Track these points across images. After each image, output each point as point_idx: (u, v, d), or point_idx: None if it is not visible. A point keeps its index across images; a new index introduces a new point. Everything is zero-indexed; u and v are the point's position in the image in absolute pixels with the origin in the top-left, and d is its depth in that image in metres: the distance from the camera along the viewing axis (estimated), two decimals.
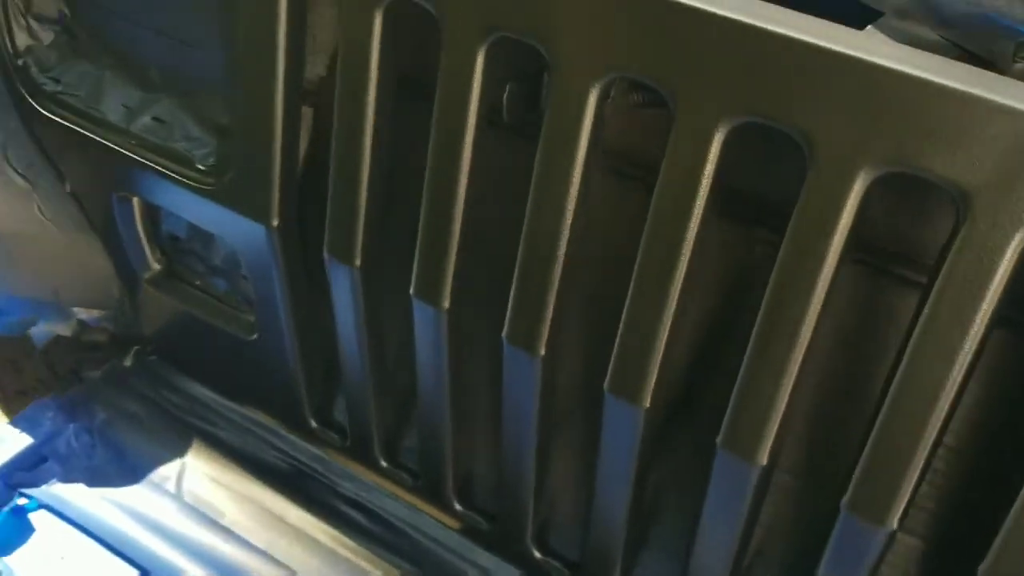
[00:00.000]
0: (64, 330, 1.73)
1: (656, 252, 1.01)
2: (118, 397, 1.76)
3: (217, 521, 1.59)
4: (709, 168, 0.94)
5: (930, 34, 0.95)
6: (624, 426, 1.16)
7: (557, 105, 1.01)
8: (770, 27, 0.86)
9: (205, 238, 1.61)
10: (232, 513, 1.61)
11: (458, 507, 1.56)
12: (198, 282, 1.67)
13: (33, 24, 1.50)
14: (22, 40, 1.51)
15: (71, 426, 1.68)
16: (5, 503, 1.57)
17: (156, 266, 1.68)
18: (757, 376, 0.99)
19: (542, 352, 1.16)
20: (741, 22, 0.87)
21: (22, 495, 1.59)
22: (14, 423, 1.67)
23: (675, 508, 1.36)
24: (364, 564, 1.55)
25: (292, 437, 1.70)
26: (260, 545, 1.56)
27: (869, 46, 0.84)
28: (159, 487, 1.63)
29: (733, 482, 1.10)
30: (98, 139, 1.47)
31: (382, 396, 1.51)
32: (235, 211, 1.37)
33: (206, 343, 1.71)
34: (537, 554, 1.49)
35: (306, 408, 1.64)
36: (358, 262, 1.30)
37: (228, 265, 1.62)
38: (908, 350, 0.90)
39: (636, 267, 1.02)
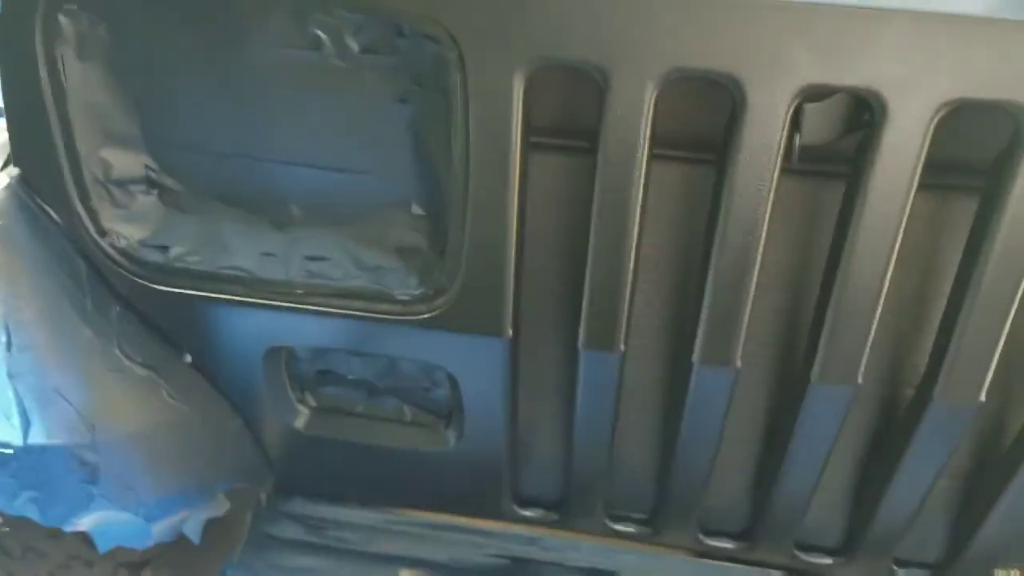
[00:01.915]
0: (216, 513, 1.52)
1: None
2: (290, 558, 1.58)
3: None
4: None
5: None
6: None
7: None
8: None
9: (366, 364, 1.45)
10: None
11: (700, 536, 1.53)
12: (359, 409, 1.50)
13: (115, 192, 1.27)
14: (107, 214, 1.27)
15: None
16: None
17: (307, 411, 1.49)
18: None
19: None
20: None
21: None
22: None
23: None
24: None
25: (495, 529, 1.60)
26: None
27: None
28: None
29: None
30: (246, 299, 1.28)
31: (609, 460, 1.44)
32: (464, 331, 1.23)
33: (371, 467, 1.55)
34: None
35: (507, 495, 1.54)
36: (621, 348, 1.22)
37: (395, 381, 1.46)
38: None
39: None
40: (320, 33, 1.09)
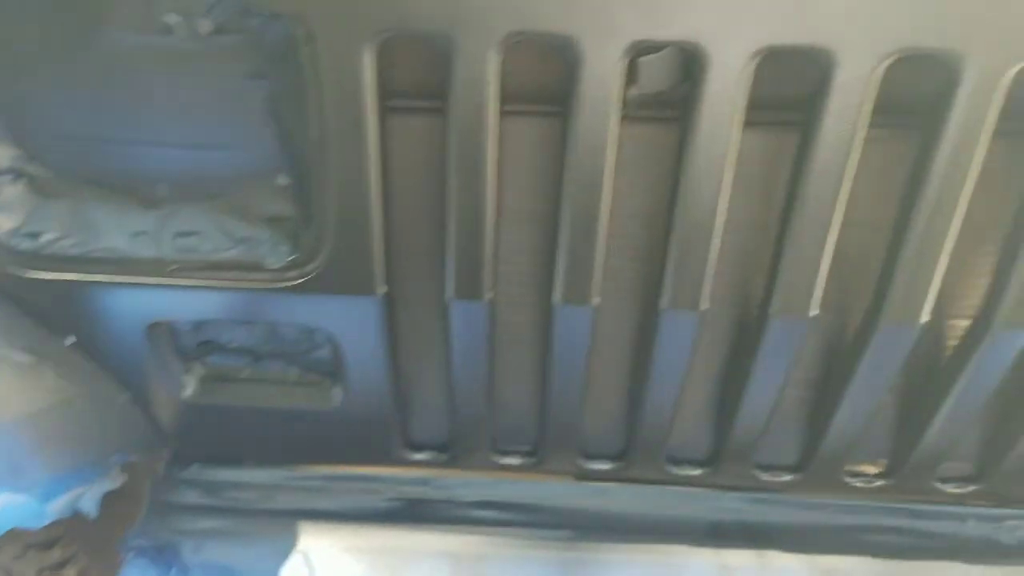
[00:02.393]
0: (111, 486, 1.55)
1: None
2: (192, 522, 1.63)
3: None
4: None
5: None
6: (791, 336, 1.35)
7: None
8: None
9: (248, 330, 1.49)
10: (379, 570, 1.59)
11: (581, 461, 1.64)
12: (245, 374, 1.55)
13: None
14: None
15: (186, 549, 1.55)
16: None
17: (193, 381, 1.53)
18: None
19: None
20: None
21: None
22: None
23: None
24: (527, 550, 1.60)
25: (388, 474, 1.67)
26: None
27: None
28: None
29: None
30: (121, 278, 1.31)
31: (492, 403, 1.53)
32: (338, 293, 1.29)
33: (262, 428, 1.61)
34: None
35: (398, 442, 1.61)
36: (489, 296, 1.30)
37: (278, 345, 1.51)
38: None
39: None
40: (170, 17, 1.11)
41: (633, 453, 1.61)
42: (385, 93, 1.17)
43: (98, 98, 1.19)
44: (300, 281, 1.28)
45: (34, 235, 1.30)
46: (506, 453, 1.65)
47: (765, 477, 1.63)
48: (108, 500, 1.57)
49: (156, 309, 1.37)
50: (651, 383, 1.44)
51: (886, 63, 1.06)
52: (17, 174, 1.28)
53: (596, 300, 1.29)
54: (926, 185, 1.15)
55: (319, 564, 1.59)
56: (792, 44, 1.05)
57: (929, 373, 1.46)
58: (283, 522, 1.64)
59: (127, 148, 1.25)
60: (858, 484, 1.61)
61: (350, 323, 1.36)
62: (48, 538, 1.78)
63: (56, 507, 1.47)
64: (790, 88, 1.19)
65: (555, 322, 1.34)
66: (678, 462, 1.64)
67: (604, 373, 1.51)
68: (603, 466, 1.65)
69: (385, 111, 1.18)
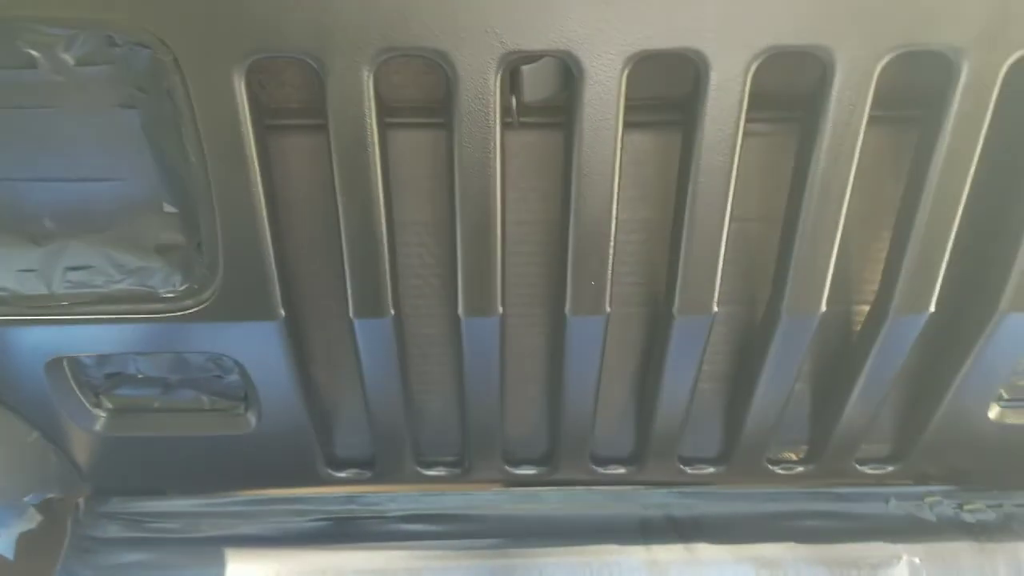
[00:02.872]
0: (28, 526, 1.52)
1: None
2: (117, 556, 1.60)
3: None
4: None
5: None
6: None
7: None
8: None
9: (154, 360, 1.47)
10: None
11: (507, 468, 1.64)
12: (156, 404, 1.52)
13: None
14: None
15: None
16: None
17: (104, 414, 1.50)
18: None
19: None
20: None
21: None
22: None
23: None
24: (458, 560, 1.60)
25: (313, 495, 1.66)
26: None
27: None
28: None
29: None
30: (12, 317, 1.28)
31: (411, 416, 1.52)
32: (236, 320, 1.27)
33: (180, 457, 1.58)
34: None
35: (320, 462, 1.60)
36: (392, 312, 1.29)
37: (186, 373, 1.49)
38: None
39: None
40: (33, 51, 1.09)
41: (558, 456, 1.61)
42: (263, 112, 1.15)
43: None
44: (196, 309, 1.26)
45: None
46: (431, 465, 1.64)
47: (689, 471, 1.64)
48: (25, 541, 1.53)
49: (53, 345, 1.34)
50: (566, 387, 1.44)
51: (758, 61, 1.06)
52: None
53: (500, 310, 1.29)
54: (810, 176, 1.15)
55: None
56: (663, 48, 1.05)
57: (837, 359, 1.47)
58: (209, 550, 1.62)
59: (7, 184, 1.22)
60: (780, 471, 1.62)
61: (253, 349, 1.34)
62: None
63: None
64: (669, 88, 1.19)
65: (463, 333, 1.33)
66: (603, 462, 1.64)
67: (520, 379, 1.51)
68: (529, 471, 1.65)
69: (265, 131, 1.16)
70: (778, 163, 1.28)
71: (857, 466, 1.61)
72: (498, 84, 1.08)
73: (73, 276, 1.27)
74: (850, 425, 1.52)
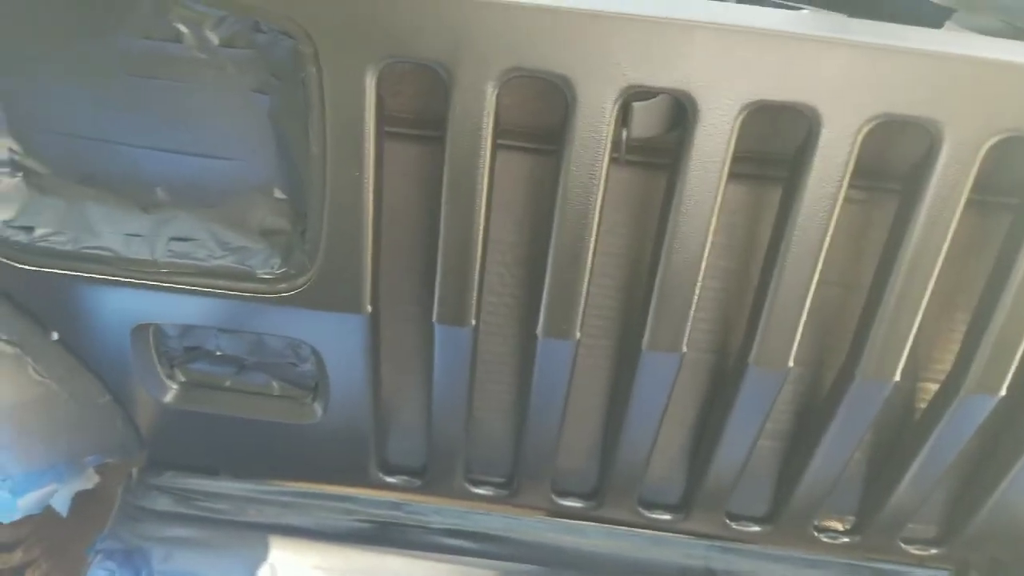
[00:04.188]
0: (84, 486, 1.56)
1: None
2: (163, 529, 1.63)
3: None
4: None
5: (995, 22, 1.14)
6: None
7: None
8: None
9: (234, 339, 1.51)
10: None
11: (554, 497, 1.65)
12: (228, 383, 1.57)
13: None
14: None
15: (153, 557, 1.56)
16: None
17: (176, 387, 1.55)
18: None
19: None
20: None
21: None
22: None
23: None
24: None
25: (361, 495, 1.68)
26: None
27: None
28: None
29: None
30: (111, 278, 1.33)
31: (469, 431, 1.55)
32: (325, 309, 1.31)
33: (240, 439, 1.62)
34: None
35: (373, 464, 1.63)
36: (472, 323, 1.32)
37: (263, 357, 1.53)
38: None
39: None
40: (181, 26, 1.15)
41: (606, 493, 1.62)
42: (385, 118, 1.20)
43: (102, 99, 1.22)
44: (289, 294, 1.30)
45: (28, 228, 1.32)
46: (480, 483, 1.66)
47: (734, 526, 1.64)
48: (79, 500, 1.57)
49: (144, 311, 1.39)
50: (627, 423, 1.46)
51: (870, 125, 1.09)
52: (15, 167, 1.31)
53: (578, 335, 1.32)
54: (902, 248, 1.17)
55: None
56: (780, 100, 1.08)
57: (899, 433, 1.48)
58: (253, 535, 1.65)
59: (128, 151, 1.28)
60: (825, 539, 1.62)
61: (335, 340, 1.38)
62: (13, 538, 1.78)
63: (27, 503, 1.48)
64: (777, 144, 1.23)
65: (536, 354, 1.36)
66: (650, 505, 1.66)
67: (582, 409, 1.53)
68: (575, 503, 1.67)
69: (384, 135, 1.21)
70: (867, 231, 1.31)
71: (901, 544, 1.61)
72: (614, 116, 1.13)
73: (176, 246, 1.32)
74: (901, 502, 1.52)
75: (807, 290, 1.22)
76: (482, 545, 1.67)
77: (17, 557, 1.84)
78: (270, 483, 1.70)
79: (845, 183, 1.13)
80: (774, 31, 1.04)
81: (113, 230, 1.33)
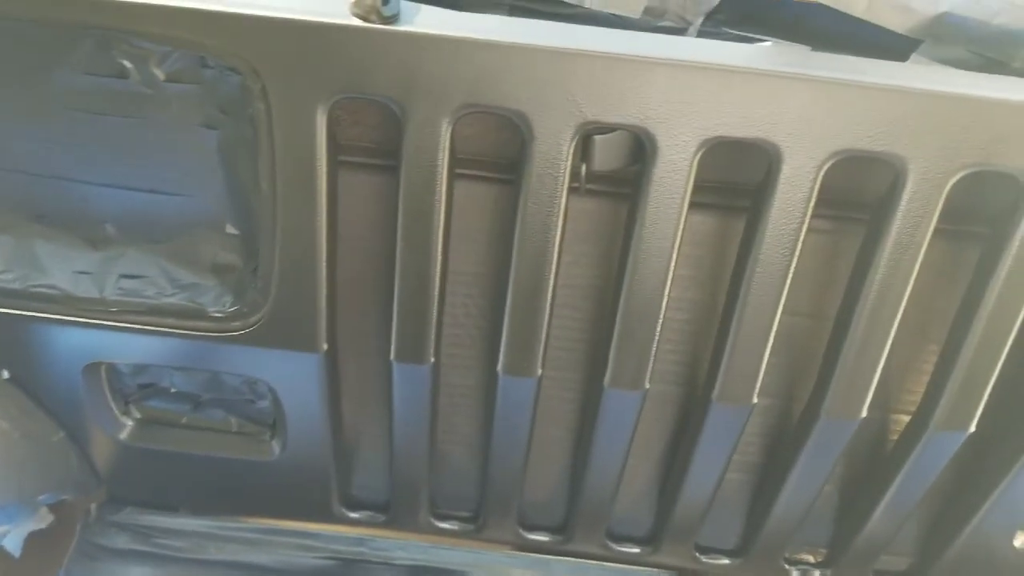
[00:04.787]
0: (38, 525, 1.52)
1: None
2: (122, 567, 1.59)
3: None
4: None
5: (963, 52, 1.12)
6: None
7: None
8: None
9: (189, 376, 1.47)
10: None
11: (521, 531, 1.62)
12: (184, 420, 1.53)
13: None
14: None
15: None
16: None
17: (131, 424, 1.51)
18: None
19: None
20: None
21: None
22: None
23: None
24: None
25: (325, 532, 1.65)
26: None
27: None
28: None
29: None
30: (61, 317, 1.29)
31: (432, 465, 1.51)
32: (279, 347, 1.28)
33: (199, 476, 1.58)
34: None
35: (335, 500, 1.59)
36: (431, 360, 1.29)
37: (219, 393, 1.49)
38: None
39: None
40: (126, 62, 1.12)
41: (573, 527, 1.59)
42: (337, 148, 1.17)
43: (48, 135, 1.19)
44: (242, 333, 1.27)
45: None
46: (445, 518, 1.63)
47: (704, 559, 1.62)
48: (33, 540, 1.53)
49: (95, 349, 1.35)
50: (592, 458, 1.43)
51: (832, 161, 1.07)
52: None
53: (539, 372, 1.29)
54: (868, 279, 1.15)
55: None
56: (740, 136, 1.06)
57: (870, 465, 1.46)
58: (212, 573, 1.61)
59: (76, 187, 1.24)
60: (796, 572, 1.60)
61: (291, 377, 1.35)
62: None
63: None
64: (742, 174, 1.20)
65: (498, 390, 1.33)
66: (618, 539, 1.63)
67: (546, 444, 1.50)
68: (542, 537, 1.64)
69: (336, 166, 1.18)
70: (835, 262, 1.28)
71: None
72: (571, 151, 1.10)
73: (126, 284, 1.29)
74: (873, 534, 1.49)
75: (771, 323, 1.20)
76: None
77: None
78: (230, 520, 1.66)
79: (808, 217, 1.11)
80: (732, 67, 1.02)
81: (62, 268, 1.29)
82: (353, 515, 1.62)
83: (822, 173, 1.08)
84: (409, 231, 1.17)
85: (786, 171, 1.07)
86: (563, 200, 1.13)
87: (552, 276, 1.19)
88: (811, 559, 1.60)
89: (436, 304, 1.24)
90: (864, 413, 1.26)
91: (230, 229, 1.26)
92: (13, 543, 1.49)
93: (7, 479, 1.45)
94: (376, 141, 1.23)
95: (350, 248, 1.30)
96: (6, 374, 1.41)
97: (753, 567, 1.59)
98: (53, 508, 1.58)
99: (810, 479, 1.41)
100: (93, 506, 1.68)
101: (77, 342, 1.34)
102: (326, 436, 1.45)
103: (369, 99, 1.09)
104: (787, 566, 1.60)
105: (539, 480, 1.56)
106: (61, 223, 1.28)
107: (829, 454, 1.36)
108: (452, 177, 1.18)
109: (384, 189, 1.25)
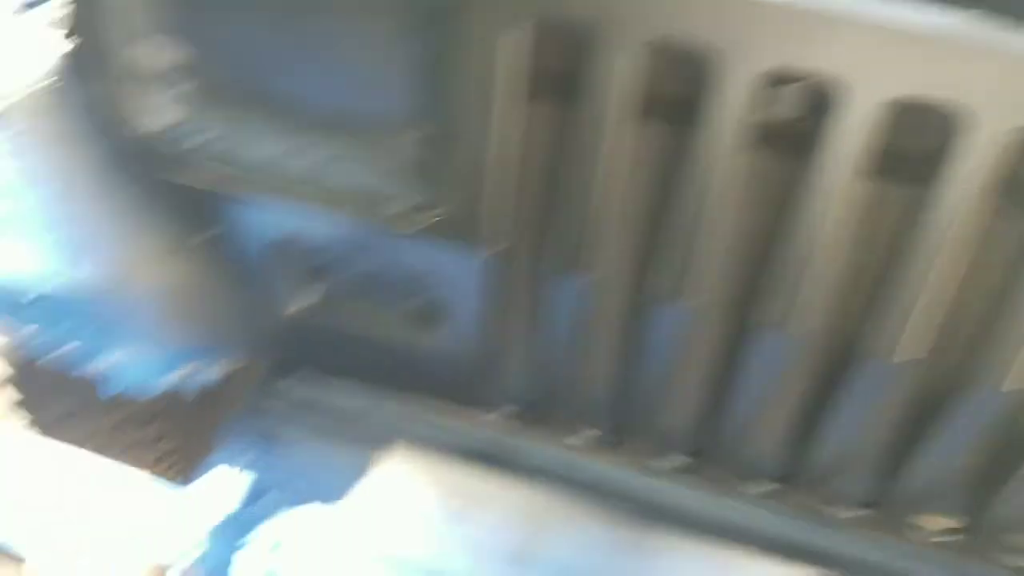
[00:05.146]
0: (215, 376, 1.69)
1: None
2: (286, 426, 1.75)
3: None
4: None
5: None
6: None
7: None
8: None
9: (364, 261, 1.58)
10: (451, 505, 1.65)
11: (655, 451, 1.68)
12: (353, 303, 1.64)
13: (144, 83, 1.38)
14: (135, 103, 1.39)
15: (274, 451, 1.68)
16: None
17: (303, 299, 1.64)
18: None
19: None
20: None
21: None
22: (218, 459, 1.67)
23: None
24: (589, 521, 1.64)
25: (480, 419, 1.75)
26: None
27: None
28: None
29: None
30: (258, 192, 1.41)
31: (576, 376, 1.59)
32: (453, 244, 1.36)
33: (359, 354, 1.71)
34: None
35: (481, 395, 1.71)
36: (590, 274, 1.34)
37: (389, 280, 1.59)
38: None
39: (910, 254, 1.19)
40: None
41: (708, 454, 1.63)
42: (529, 74, 1.21)
43: (268, 25, 1.28)
44: (421, 227, 1.35)
45: (185, 138, 1.40)
46: (583, 430, 1.70)
47: (835, 506, 1.63)
48: (208, 390, 1.70)
49: (283, 226, 1.47)
50: (736, 393, 1.46)
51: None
52: (182, 76, 1.38)
53: (693, 301, 1.32)
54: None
55: (397, 485, 1.67)
56: (932, 97, 1.04)
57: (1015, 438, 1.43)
58: (367, 443, 1.72)
59: (288, 72, 1.33)
60: (926, 535, 1.60)
61: (459, 274, 1.43)
62: (149, 413, 1.94)
63: (166, 381, 1.61)
64: (918, 142, 1.17)
65: (652, 315, 1.37)
66: (750, 473, 1.66)
67: (691, 372, 1.53)
68: (675, 462, 1.68)
69: (527, 90, 1.23)
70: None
71: (1001, 555, 1.57)
72: (754, 96, 1.11)
73: (322, 168, 1.38)
74: (1012, 507, 1.47)
75: (934, 289, 1.20)
76: (581, 490, 1.70)
77: (152, 430, 2.00)
78: (385, 395, 1.78)
79: (992, 191, 1.09)
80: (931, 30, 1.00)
81: (266, 147, 1.40)
82: (495, 412, 1.72)
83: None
84: (585, 156, 1.23)
85: (976, 139, 1.05)
86: (738, 145, 1.16)
87: (716, 216, 1.23)
88: (945, 524, 1.59)
89: (603, 222, 1.29)
90: (1016, 385, 1.25)
91: (424, 129, 1.32)
92: (193, 388, 1.65)
93: (200, 327, 1.61)
94: (563, 72, 1.25)
95: (528, 165, 1.34)
96: (204, 237, 1.55)
97: (882, 521, 1.60)
98: (230, 363, 1.74)
99: (953, 446, 1.41)
100: (262, 368, 1.83)
101: (268, 217, 1.46)
102: (481, 333, 1.55)
103: (564, 23, 1.13)
104: (919, 527, 1.60)
105: (679, 406, 1.59)
106: (269, 106, 1.38)
107: (977, 422, 1.35)
108: (640, 112, 1.21)
109: (564, 116, 1.28)
